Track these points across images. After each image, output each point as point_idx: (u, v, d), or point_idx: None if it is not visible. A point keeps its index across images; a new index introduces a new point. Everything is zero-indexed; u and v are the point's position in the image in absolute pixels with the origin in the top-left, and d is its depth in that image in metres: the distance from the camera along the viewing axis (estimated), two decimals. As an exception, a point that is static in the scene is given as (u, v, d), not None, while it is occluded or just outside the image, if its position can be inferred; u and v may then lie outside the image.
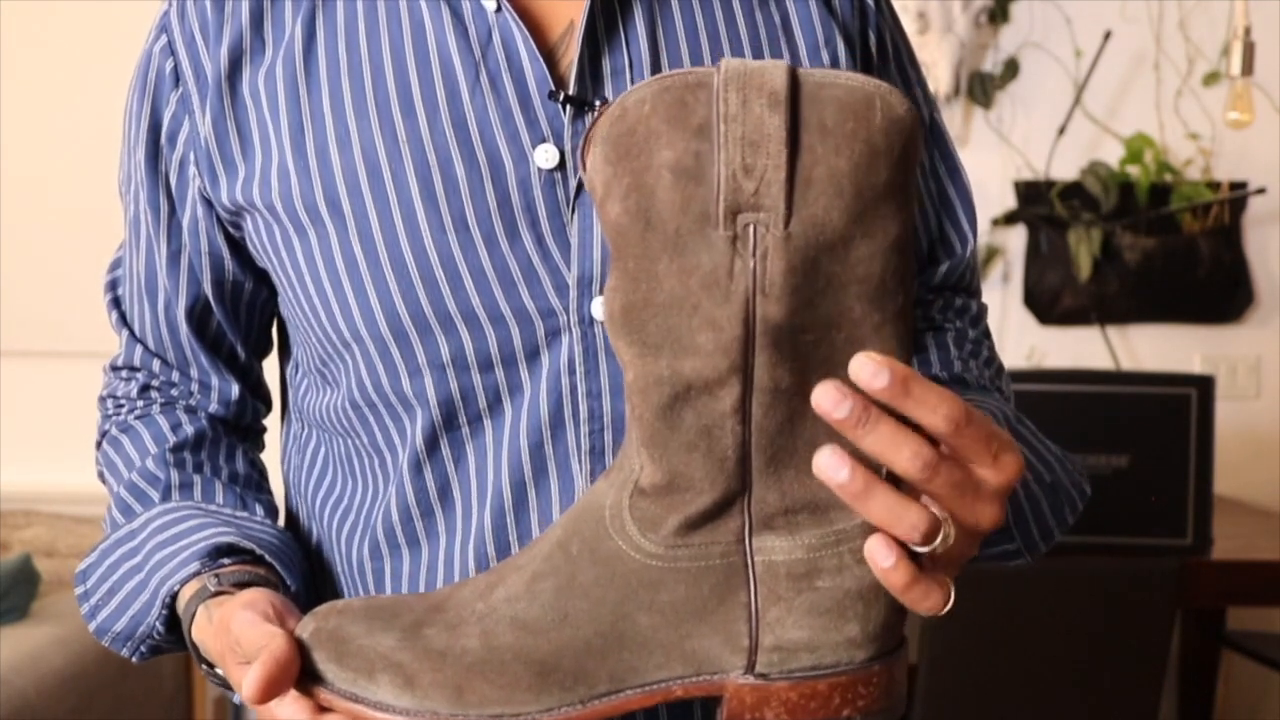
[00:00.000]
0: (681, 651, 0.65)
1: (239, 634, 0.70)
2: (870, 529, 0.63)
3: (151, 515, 0.87)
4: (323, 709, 0.68)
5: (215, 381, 0.93)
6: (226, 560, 0.80)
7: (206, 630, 0.76)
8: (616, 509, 0.66)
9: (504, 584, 0.68)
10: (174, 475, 0.90)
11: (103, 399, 0.97)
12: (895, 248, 0.62)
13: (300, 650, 0.67)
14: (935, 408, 0.59)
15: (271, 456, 0.99)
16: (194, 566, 0.79)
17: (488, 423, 0.82)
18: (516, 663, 0.65)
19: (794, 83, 0.61)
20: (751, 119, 0.60)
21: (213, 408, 0.94)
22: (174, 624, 0.82)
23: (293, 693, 0.69)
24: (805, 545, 0.64)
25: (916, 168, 0.63)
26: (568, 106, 0.80)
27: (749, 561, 0.65)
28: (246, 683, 0.65)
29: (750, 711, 0.66)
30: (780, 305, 0.61)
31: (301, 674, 0.67)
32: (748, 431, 0.63)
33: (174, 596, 0.80)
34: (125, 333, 0.95)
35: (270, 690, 0.65)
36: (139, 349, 0.94)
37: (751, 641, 0.65)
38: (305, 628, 0.68)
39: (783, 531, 0.65)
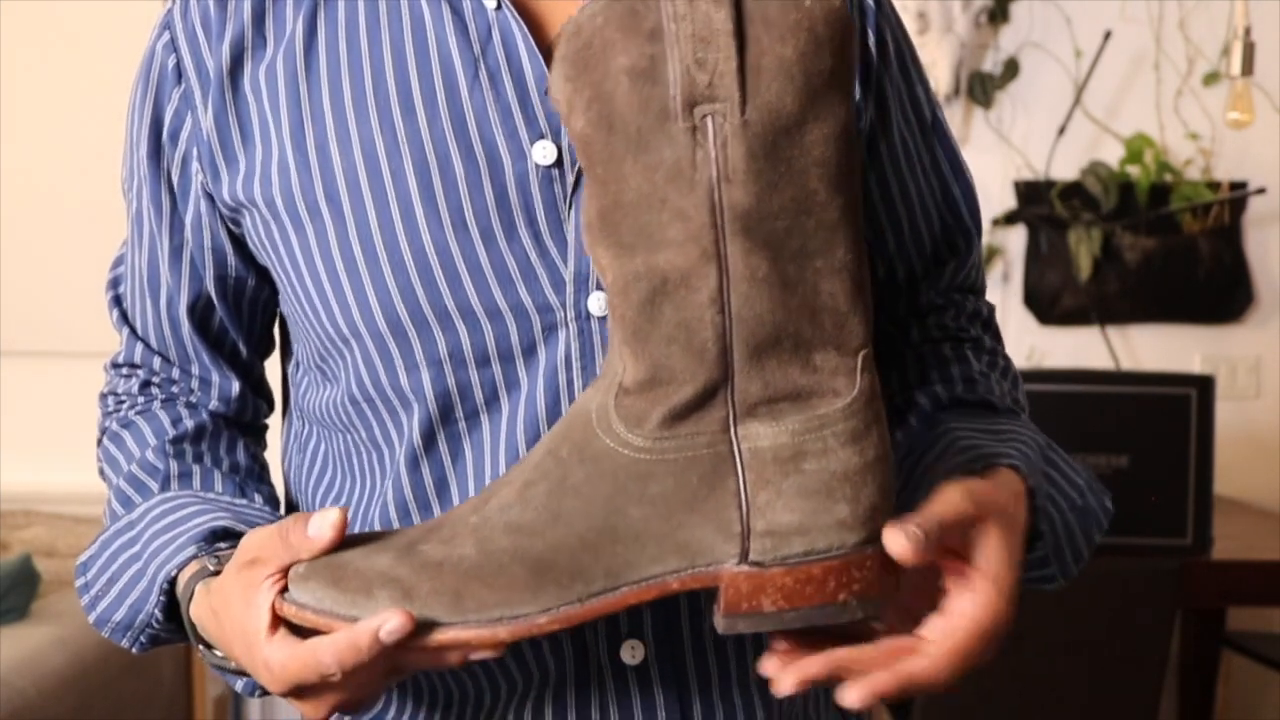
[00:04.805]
0: (675, 542, 0.66)
1: (245, 541, 0.73)
2: (849, 414, 0.66)
3: (150, 505, 0.87)
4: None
5: (216, 378, 0.93)
6: (223, 545, 0.80)
7: (204, 605, 0.77)
8: (603, 410, 0.67)
9: (496, 496, 0.69)
10: (173, 466, 0.90)
11: (103, 396, 0.97)
12: (845, 134, 0.66)
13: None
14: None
15: (272, 459, 0.98)
16: (190, 550, 0.80)
17: (485, 418, 0.82)
18: (514, 564, 0.66)
19: None
20: (699, 16, 0.64)
21: (213, 404, 0.94)
22: (172, 611, 0.82)
23: (282, 631, 0.70)
24: (790, 430, 0.66)
25: (855, 57, 0.67)
26: None
27: (735, 449, 0.66)
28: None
29: (747, 600, 0.66)
30: (745, 190, 0.64)
31: (300, 605, 0.68)
32: (727, 322, 0.65)
33: (172, 582, 0.80)
34: (126, 330, 0.95)
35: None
36: (140, 347, 0.94)
37: (743, 527, 0.66)
38: (300, 564, 0.69)
39: (766, 419, 0.66)
